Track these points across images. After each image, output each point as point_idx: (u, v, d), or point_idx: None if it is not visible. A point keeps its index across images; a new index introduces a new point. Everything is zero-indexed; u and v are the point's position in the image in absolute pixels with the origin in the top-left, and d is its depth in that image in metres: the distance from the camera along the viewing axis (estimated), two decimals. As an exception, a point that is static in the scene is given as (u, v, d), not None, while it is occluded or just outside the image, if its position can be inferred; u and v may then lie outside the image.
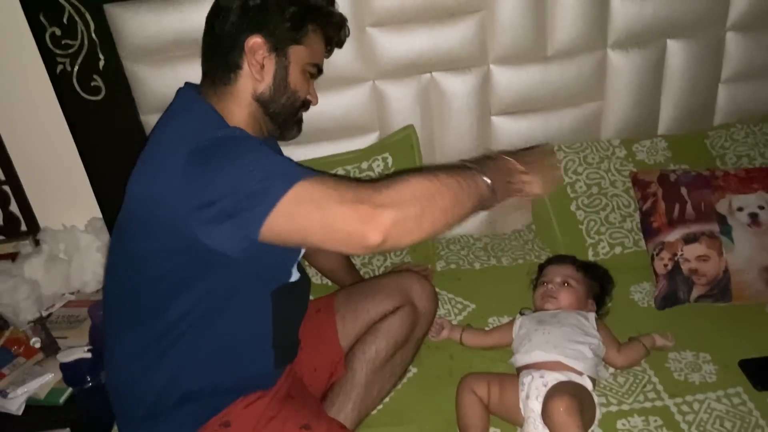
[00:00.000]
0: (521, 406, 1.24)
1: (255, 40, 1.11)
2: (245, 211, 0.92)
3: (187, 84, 1.19)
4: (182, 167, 0.96)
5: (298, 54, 1.16)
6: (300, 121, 1.25)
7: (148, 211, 1.02)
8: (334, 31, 1.24)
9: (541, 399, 1.20)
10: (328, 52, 1.27)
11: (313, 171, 0.96)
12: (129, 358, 1.14)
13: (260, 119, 1.17)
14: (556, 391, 1.18)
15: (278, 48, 1.13)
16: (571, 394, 1.16)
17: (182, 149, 0.98)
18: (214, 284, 1.06)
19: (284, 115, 1.19)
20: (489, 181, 1.01)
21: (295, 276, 1.23)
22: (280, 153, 1.43)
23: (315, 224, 0.91)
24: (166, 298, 1.07)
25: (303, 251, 1.25)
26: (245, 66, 1.13)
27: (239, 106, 1.14)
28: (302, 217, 0.91)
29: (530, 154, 1.16)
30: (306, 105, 1.23)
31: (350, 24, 1.33)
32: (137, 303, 1.10)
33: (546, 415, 1.16)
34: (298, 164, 1.00)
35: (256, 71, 1.13)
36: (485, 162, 1.05)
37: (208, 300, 1.08)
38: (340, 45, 1.29)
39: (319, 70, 1.23)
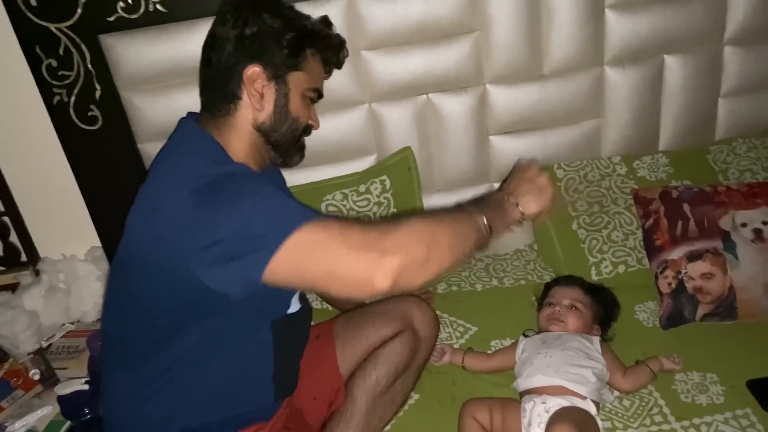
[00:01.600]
0: None
1: (253, 69, 1.10)
2: (249, 255, 0.90)
3: (189, 114, 1.18)
4: (185, 207, 0.95)
5: (297, 80, 1.14)
6: (302, 147, 1.24)
7: (148, 249, 1.01)
8: (333, 54, 1.23)
9: (543, 426, 1.17)
10: (328, 74, 1.26)
11: (319, 213, 0.96)
12: (126, 392, 1.12)
13: (262, 149, 1.16)
14: (558, 418, 1.16)
15: (277, 76, 1.12)
16: (573, 421, 1.13)
17: (185, 188, 0.97)
18: (213, 322, 1.05)
19: (286, 143, 1.18)
20: (485, 219, 1.03)
21: (295, 307, 1.21)
22: (283, 181, 1.42)
23: (321, 271, 0.90)
24: (164, 336, 1.05)
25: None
26: (245, 96, 1.11)
27: (240, 136, 1.13)
28: (307, 262, 0.90)
29: (522, 177, 1.17)
30: (308, 130, 1.22)
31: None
32: (135, 339, 1.09)
33: None
34: (304, 205, 0.99)
35: (256, 101, 1.11)
36: (480, 201, 1.10)
37: (207, 338, 1.06)
38: (339, 66, 1.28)
39: (320, 94, 1.22)
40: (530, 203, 1.13)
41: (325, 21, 1.23)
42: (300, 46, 1.13)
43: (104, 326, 1.18)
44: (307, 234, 0.90)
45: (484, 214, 1.04)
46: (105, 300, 1.18)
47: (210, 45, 1.14)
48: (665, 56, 1.74)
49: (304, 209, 0.96)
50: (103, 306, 1.19)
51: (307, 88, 1.16)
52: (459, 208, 1.07)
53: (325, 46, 1.20)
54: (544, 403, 1.21)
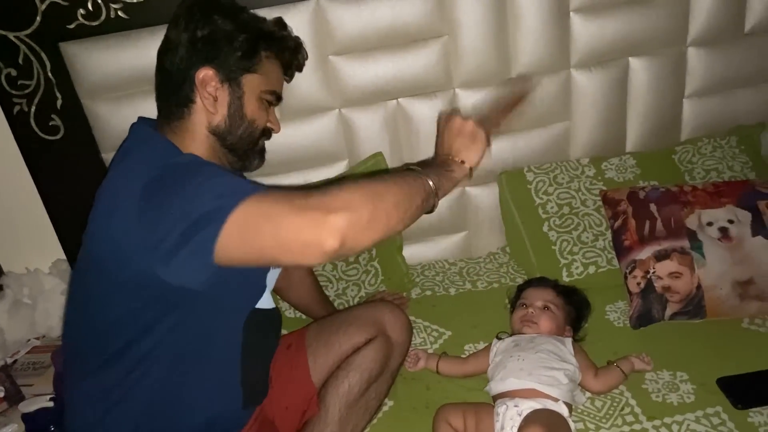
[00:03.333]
0: None
1: (205, 73, 1.09)
2: (196, 235, 0.88)
3: (140, 119, 1.16)
4: (136, 205, 0.94)
5: (252, 83, 1.13)
6: (262, 150, 1.22)
7: (105, 251, 0.99)
8: (290, 56, 1.22)
9: (515, 429, 1.17)
10: (289, 77, 1.25)
11: (264, 186, 0.94)
12: (89, 403, 1.09)
13: (219, 152, 1.15)
14: (529, 421, 1.15)
15: (231, 78, 1.11)
16: (544, 423, 1.13)
17: (136, 185, 0.95)
18: (176, 323, 1.03)
19: (243, 146, 1.16)
20: (431, 181, 1.02)
21: (267, 303, 1.19)
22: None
23: (267, 238, 0.86)
24: (126, 340, 1.03)
25: (273, 282, 1.22)
26: (198, 99, 1.10)
27: (195, 140, 1.12)
28: (254, 232, 0.87)
29: (451, 134, 1.13)
30: (267, 133, 1.21)
31: (313, 53, 1.32)
32: (96, 346, 1.06)
33: None
34: (251, 181, 0.97)
35: (209, 104, 1.10)
36: (425, 165, 1.09)
37: (171, 338, 1.04)
38: (299, 69, 1.27)
39: (278, 97, 1.20)
40: (471, 154, 1.11)
41: (280, 23, 1.22)
42: (253, 48, 1.13)
43: (66, 335, 1.16)
44: (251, 204, 0.87)
45: (429, 175, 1.03)
46: (66, 307, 1.16)
47: (164, 49, 1.13)
48: (630, 59, 1.76)
49: (249, 185, 0.94)
50: (65, 314, 1.17)
51: (263, 91, 1.15)
52: (405, 170, 1.05)
53: (281, 48, 1.19)
54: (516, 406, 1.21)
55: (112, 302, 1.02)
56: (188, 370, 1.07)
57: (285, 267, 0.96)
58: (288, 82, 1.26)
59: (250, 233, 0.87)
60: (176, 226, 0.89)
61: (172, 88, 1.11)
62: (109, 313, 1.03)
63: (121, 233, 0.95)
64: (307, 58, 1.29)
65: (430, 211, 1.04)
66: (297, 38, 1.25)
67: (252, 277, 1.15)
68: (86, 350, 1.09)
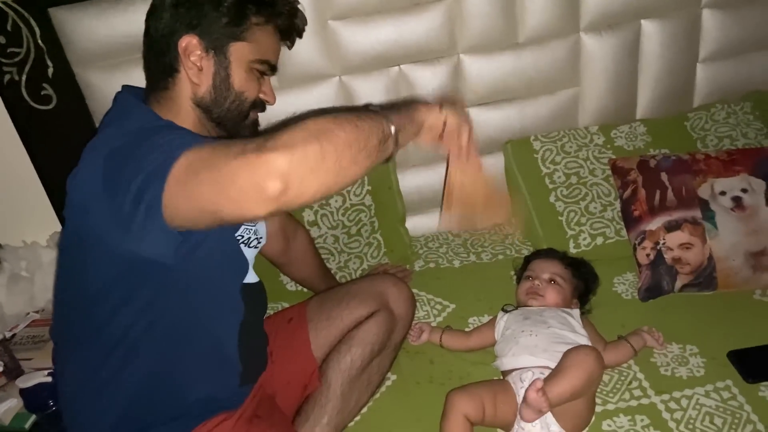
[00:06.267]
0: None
1: (189, 41, 1.03)
2: (145, 194, 0.83)
3: (124, 87, 1.11)
4: (101, 174, 0.89)
5: (240, 51, 1.06)
6: (254, 123, 1.15)
7: (78, 221, 0.97)
8: (286, 21, 1.13)
9: None
10: (290, 43, 1.18)
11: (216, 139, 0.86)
12: (77, 383, 1.07)
13: (207, 125, 1.09)
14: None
15: (216, 47, 1.04)
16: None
17: (104, 152, 0.91)
18: (157, 300, 0.99)
19: (231, 119, 1.10)
20: (392, 125, 0.89)
21: (252, 278, 1.16)
22: None
23: (207, 188, 0.79)
24: (106, 316, 1.00)
25: (252, 257, 1.18)
26: (182, 69, 1.04)
27: (180, 112, 1.06)
28: (194, 182, 0.80)
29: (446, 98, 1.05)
30: (259, 105, 1.13)
31: (311, 18, 1.25)
32: (79, 322, 1.04)
33: None
34: (204, 137, 0.91)
35: (194, 74, 1.04)
36: (392, 107, 0.96)
37: (155, 317, 1.01)
38: (299, 35, 1.19)
39: (272, 67, 1.13)
40: (452, 110, 1.00)
41: None
42: (241, 13, 1.05)
43: (54, 309, 1.13)
44: (192, 155, 0.81)
45: (390, 117, 0.89)
46: (54, 285, 1.14)
47: (150, 13, 1.07)
48: (642, 21, 1.69)
49: (197, 139, 0.87)
50: (53, 292, 1.14)
51: (253, 60, 1.08)
52: (365, 109, 0.94)
53: (273, 13, 1.10)
54: (542, 373, 1.19)
55: (87, 276, 0.99)
56: (181, 349, 1.04)
57: (233, 222, 0.85)
58: (289, 48, 1.19)
59: (190, 184, 0.80)
60: (129, 190, 0.85)
61: (156, 55, 1.06)
62: (86, 287, 1.00)
63: (89, 203, 0.92)
64: (306, 23, 1.20)
65: (388, 159, 0.91)
66: (292, 1, 1.16)
67: (230, 252, 1.10)
68: (69, 327, 1.07)
